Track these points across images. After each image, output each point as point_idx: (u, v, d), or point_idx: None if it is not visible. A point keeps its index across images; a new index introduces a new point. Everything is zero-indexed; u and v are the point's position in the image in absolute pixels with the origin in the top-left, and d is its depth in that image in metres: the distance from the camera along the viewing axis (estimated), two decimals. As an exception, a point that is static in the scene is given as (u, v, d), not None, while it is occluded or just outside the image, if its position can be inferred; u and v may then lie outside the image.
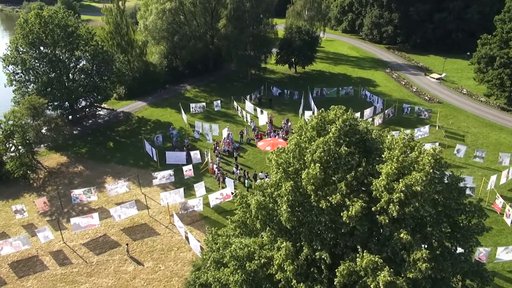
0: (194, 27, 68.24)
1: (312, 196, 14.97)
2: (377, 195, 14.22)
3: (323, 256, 14.61)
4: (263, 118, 50.86)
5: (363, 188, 15.05)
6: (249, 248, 15.94)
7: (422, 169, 13.78)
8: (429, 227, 14.40)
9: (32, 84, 49.75)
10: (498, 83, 54.72)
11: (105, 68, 52.17)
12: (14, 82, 49.77)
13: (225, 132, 47.34)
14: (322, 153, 14.97)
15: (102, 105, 59.20)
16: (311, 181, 14.79)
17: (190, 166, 40.41)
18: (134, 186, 40.10)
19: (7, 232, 34.64)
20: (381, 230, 14.78)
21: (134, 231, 34.42)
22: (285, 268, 14.95)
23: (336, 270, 14.16)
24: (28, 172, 41.60)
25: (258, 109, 52.94)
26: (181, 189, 36.30)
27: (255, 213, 16.13)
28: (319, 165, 14.83)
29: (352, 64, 76.78)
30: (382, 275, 13.30)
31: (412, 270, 13.51)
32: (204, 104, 56.73)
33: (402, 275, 13.78)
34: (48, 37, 48.58)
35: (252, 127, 50.24)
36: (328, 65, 76.86)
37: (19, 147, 41.31)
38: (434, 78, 67.20)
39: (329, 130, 15.62)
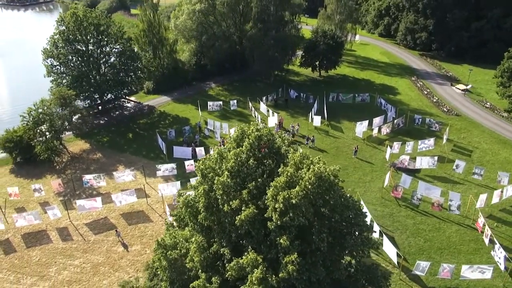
0: (223, 27, 71.42)
1: (219, 200, 17.25)
2: (268, 204, 16.19)
3: (225, 252, 16.87)
4: (272, 120, 52.90)
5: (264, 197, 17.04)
6: (175, 239, 18.54)
7: (303, 185, 15.56)
8: (314, 236, 16.12)
9: (66, 77, 55.13)
10: (519, 99, 53.00)
11: (131, 65, 56.47)
12: (51, 74, 55.37)
13: (232, 131, 49.97)
14: (233, 163, 17.17)
15: (130, 98, 63.96)
16: (220, 186, 17.05)
17: (192, 161, 43.42)
18: (141, 175, 43.91)
19: (25, 207, 39.66)
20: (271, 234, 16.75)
21: (131, 217, 38.12)
22: (194, 259, 17.43)
23: (227, 265, 16.42)
24: (53, 155, 46.61)
25: (270, 111, 55.04)
26: (178, 182, 39.47)
27: (184, 210, 18.67)
28: (227, 173, 17.04)
29: (379, 70, 76.39)
30: (256, 272, 15.34)
31: (283, 271, 15.45)
32: (220, 102, 59.66)
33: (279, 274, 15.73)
34: (82, 34, 53.55)
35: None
36: (355, 69, 77.00)
37: (46, 133, 46.36)
38: (460, 89, 65.58)
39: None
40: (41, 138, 45.92)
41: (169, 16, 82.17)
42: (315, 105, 57.42)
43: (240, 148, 17.73)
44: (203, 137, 51.89)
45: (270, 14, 64.55)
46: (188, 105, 62.14)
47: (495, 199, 37.41)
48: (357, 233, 16.85)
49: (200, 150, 45.53)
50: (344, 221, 16.76)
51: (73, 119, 50.08)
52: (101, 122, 57.68)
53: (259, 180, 17.13)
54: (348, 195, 17.02)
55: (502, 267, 30.65)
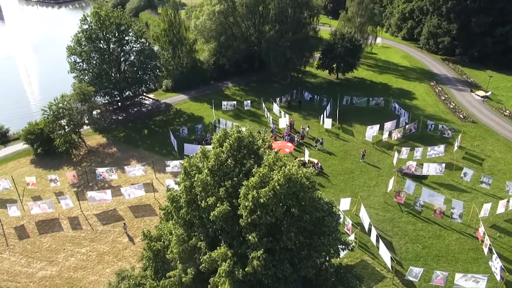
0: (243, 28, 72.61)
1: (198, 196, 18.24)
2: (239, 202, 17.02)
3: (201, 246, 17.87)
4: (283, 121, 53.58)
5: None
6: (160, 231, 19.70)
7: (272, 185, 16.31)
8: (284, 235, 16.84)
9: (88, 73, 57.58)
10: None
11: (149, 63, 58.39)
12: (74, 70, 57.97)
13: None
14: (214, 162, 18.14)
15: (149, 95, 66.05)
16: (199, 183, 18.06)
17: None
18: (151, 170, 45.56)
19: (41, 196, 41.97)
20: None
21: (138, 210, 39.76)
22: (173, 251, 18.54)
23: (201, 258, 17.39)
24: (71, 148, 48.91)
25: (282, 112, 55.73)
26: (185, 179, 40.78)
27: (170, 204, 19.82)
28: (207, 171, 18.02)
29: (398, 74, 75.69)
30: (223, 265, 16.23)
31: (249, 266, 16.25)
32: (235, 102, 60.78)
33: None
34: (103, 33, 55.82)
35: (271, 128, 53.26)
36: (373, 73, 76.57)
37: (65, 126, 48.72)
38: (479, 96, 64.27)
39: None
40: (60, 132, 48.27)
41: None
42: (328, 107, 57.69)
43: (220, 148, 18.71)
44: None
45: (287, 16, 65.15)
46: (203, 104, 63.58)
47: (501, 209, 36.89)
48: (327, 234, 17.47)
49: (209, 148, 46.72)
50: (314, 222, 17.43)
51: (93, 114, 52.43)
52: (119, 118, 59.90)
53: (235, 179, 18.04)
54: (321, 197, 17.63)
55: (498, 277, 30.38)
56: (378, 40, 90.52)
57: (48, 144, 48.84)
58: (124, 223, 37.36)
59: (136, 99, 64.12)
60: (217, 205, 17.39)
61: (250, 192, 16.74)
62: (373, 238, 33.93)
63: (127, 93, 61.17)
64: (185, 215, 18.84)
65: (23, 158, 49.20)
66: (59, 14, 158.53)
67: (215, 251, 17.13)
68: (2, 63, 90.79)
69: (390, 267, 31.58)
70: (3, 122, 55.15)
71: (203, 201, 17.95)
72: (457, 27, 79.10)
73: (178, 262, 18.72)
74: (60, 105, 48.17)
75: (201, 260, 17.47)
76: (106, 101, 59.56)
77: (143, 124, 57.93)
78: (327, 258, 17.83)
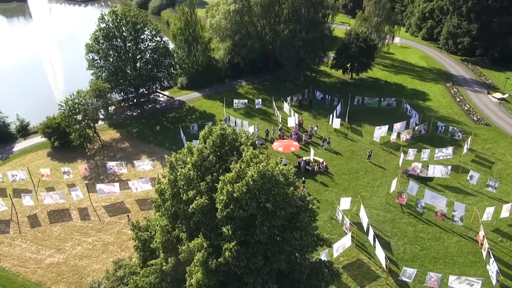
0: (258, 28, 73.29)
1: (181, 190, 19.12)
2: (216, 196, 17.78)
3: (183, 237, 18.77)
4: (292, 120, 54.01)
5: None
6: (149, 222, 20.74)
7: (245, 181, 16.98)
8: (257, 228, 17.48)
9: (105, 71, 59.56)
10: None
11: (163, 61, 59.91)
12: (92, 67, 60.08)
13: (251, 129, 51.61)
14: (197, 157, 19.00)
15: (164, 93, 67.66)
16: (182, 177, 18.96)
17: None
18: (159, 165, 46.93)
19: (55, 187, 43.96)
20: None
21: (145, 203, 41.13)
22: (157, 240, 19.53)
23: (179, 247, 18.28)
24: (85, 142, 50.86)
25: (292, 111, 56.18)
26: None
27: (159, 197, 20.83)
28: (190, 166, 18.89)
29: (414, 74, 74.78)
30: (198, 255, 17.07)
31: (222, 257, 17.00)
32: (246, 101, 61.57)
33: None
34: (120, 31, 57.63)
35: (279, 127, 53.81)
36: (388, 73, 75.91)
37: (81, 121, 50.68)
38: (496, 98, 62.90)
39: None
40: (75, 126, 50.29)
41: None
42: (338, 107, 57.75)
43: (204, 144, 19.56)
44: (224, 133, 54.03)
45: (301, 16, 65.41)
46: (216, 102, 64.68)
47: (505, 213, 36.37)
48: (300, 229, 18.03)
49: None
50: (288, 217, 18.03)
51: (109, 110, 54.31)
52: (134, 114, 61.71)
53: (214, 174, 18.86)
54: (294, 193, 18.20)
55: (494, 281, 30.12)
56: (397, 40, 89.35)
57: (64, 137, 50.93)
58: (128, 216, 38.78)
59: (151, 96, 65.81)
60: (196, 198, 18.26)
61: (225, 186, 17.54)
62: (370, 238, 34.11)
63: (141, 90, 62.84)
64: (170, 208, 19.82)
65: (40, 151, 51.50)
66: (85, 12, 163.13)
67: (192, 241, 18.02)
68: (30, 60, 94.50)
69: (384, 266, 31.75)
70: (26, 116, 57.67)
71: (184, 194, 18.86)
72: (477, 27, 77.40)
73: (161, 251, 19.73)
74: (76, 100, 50.13)
75: (179, 250, 18.39)
76: (122, 98, 61.40)
77: (156, 120, 59.51)
78: (303, 253, 18.39)
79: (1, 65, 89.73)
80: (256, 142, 49.50)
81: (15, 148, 52.48)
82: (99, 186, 41.26)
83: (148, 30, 59.68)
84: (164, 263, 19.10)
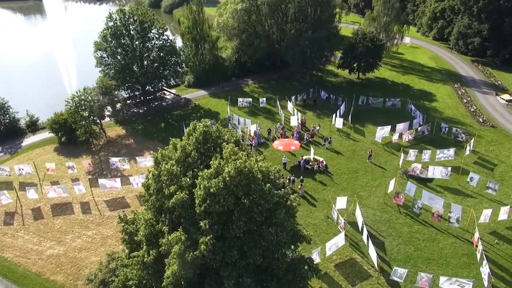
0: (266, 27, 73.60)
1: (163, 185, 19.67)
2: (195, 191, 18.26)
3: (165, 230, 19.33)
4: (294, 119, 54.24)
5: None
6: (135, 216, 21.35)
7: (222, 177, 17.40)
8: (234, 223, 17.90)
9: (113, 68, 60.69)
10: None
11: (169, 60, 60.76)
12: (100, 65, 61.28)
13: (253, 128, 52.02)
14: (180, 154, 19.53)
15: (171, 90, 68.56)
16: (165, 172, 19.51)
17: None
18: (161, 162, 47.68)
19: (59, 181, 45.12)
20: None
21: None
22: (140, 233, 20.13)
23: (160, 241, 18.84)
24: (91, 138, 52.01)
25: (295, 110, 56.40)
26: (190, 171, 42.59)
27: (145, 192, 21.47)
28: (173, 162, 19.43)
29: (422, 75, 74.12)
30: (175, 247, 17.58)
31: (198, 250, 17.48)
32: (250, 99, 61.96)
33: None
34: (127, 30, 58.64)
35: (282, 126, 54.08)
36: (396, 73, 75.40)
37: (87, 117, 51.83)
38: (504, 100, 61.98)
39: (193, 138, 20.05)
40: (81, 122, 51.46)
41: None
42: (342, 107, 57.73)
43: (187, 141, 20.09)
44: (227, 131, 54.60)
45: (307, 15, 65.48)
46: (221, 100, 65.27)
47: (503, 216, 36.03)
48: (276, 225, 18.39)
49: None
50: (265, 213, 18.40)
51: (116, 107, 55.38)
52: (140, 111, 62.75)
53: (195, 170, 19.37)
54: (271, 189, 18.53)
55: (485, 283, 29.96)
56: (407, 40, 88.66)
57: (71, 133, 52.18)
58: (123, 211, 39.56)
59: (157, 94, 66.76)
60: (177, 193, 18.80)
61: (202, 182, 18.03)
62: (364, 237, 34.21)
63: (147, 87, 63.83)
64: (154, 202, 20.42)
65: (48, 146, 52.85)
66: (100, 10, 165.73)
67: (171, 234, 18.58)
68: (44, 58, 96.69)
69: (376, 265, 31.85)
70: (37, 112, 59.19)
71: (166, 189, 19.43)
72: (488, 27, 76.27)
73: (144, 244, 20.35)
74: (82, 97, 51.28)
75: (160, 243, 18.97)
76: (129, 95, 62.48)
77: (161, 117, 60.40)
78: (280, 248, 18.75)
79: (16, 62, 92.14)
80: (256, 140, 50.37)
81: (24, 143, 53.99)
82: (101, 181, 42.22)
83: (155, 29, 60.53)
84: (146, 255, 19.74)
